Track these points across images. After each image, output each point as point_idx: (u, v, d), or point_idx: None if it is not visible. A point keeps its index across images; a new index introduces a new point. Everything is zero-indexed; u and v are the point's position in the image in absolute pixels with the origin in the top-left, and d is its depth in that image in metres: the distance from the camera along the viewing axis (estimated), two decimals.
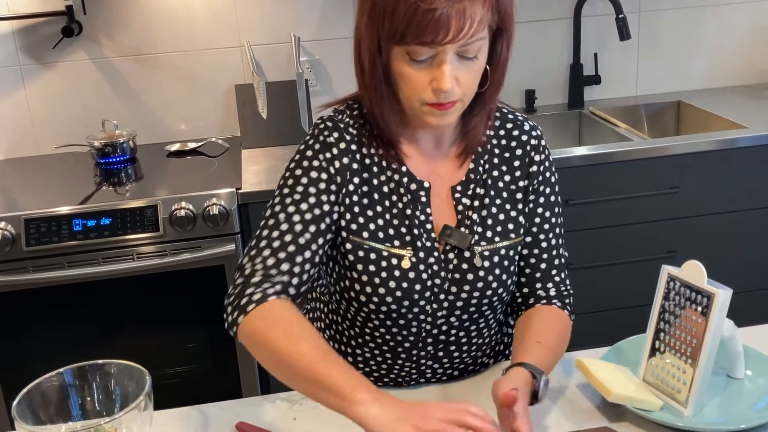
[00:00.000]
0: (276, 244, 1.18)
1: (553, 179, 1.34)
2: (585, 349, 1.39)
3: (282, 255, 1.18)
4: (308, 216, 1.20)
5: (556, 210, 1.34)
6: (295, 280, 1.19)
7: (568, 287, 1.36)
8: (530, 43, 2.87)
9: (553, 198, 1.33)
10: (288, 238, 1.18)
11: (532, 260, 1.32)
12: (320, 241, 1.21)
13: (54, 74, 2.65)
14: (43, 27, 2.59)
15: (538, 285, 1.33)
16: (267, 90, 2.58)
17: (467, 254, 1.25)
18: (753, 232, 2.56)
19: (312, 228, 1.20)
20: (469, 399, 1.08)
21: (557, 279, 1.34)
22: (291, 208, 1.20)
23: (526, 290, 1.34)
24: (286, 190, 1.22)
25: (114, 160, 2.57)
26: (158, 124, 2.76)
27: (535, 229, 1.31)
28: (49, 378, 1.19)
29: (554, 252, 1.33)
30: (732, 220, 2.52)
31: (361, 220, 1.23)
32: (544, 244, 1.32)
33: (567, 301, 1.33)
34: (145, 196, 2.27)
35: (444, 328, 1.29)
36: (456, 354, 1.34)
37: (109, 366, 1.22)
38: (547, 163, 1.33)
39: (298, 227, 1.19)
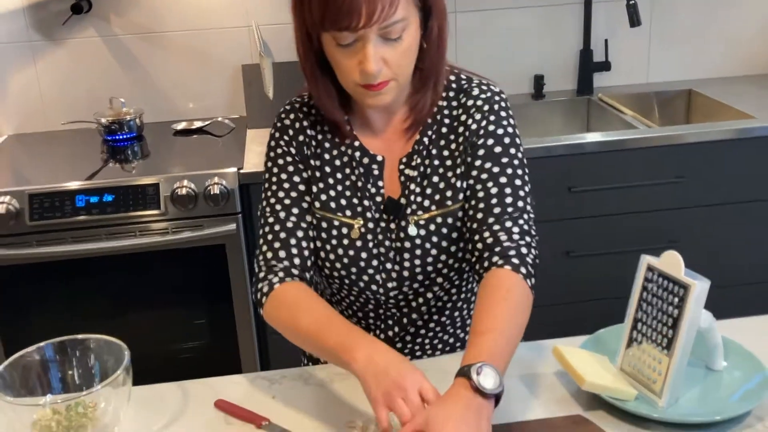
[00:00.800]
0: (270, 237, 1.29)
1: (500, 131, 1.28)
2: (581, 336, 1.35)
3: (276, 245, 1.28)
4: (287, 201, 1.30)
5: (503, 161, 1.27)
6: (296, 261, 1.28)
7: (516, 239, 1.23)
8: (540, 29, 2.85)
9: (498, 149, 1.27)
10: (277, 227, 1.29)
11: (470, 212, 1.27)
12: (308, 218, 1.31)
13: (63, 51, 2.67)
14: (53, 4, 2.61)
15: (476, 237, 1.24)
16: (274, 70, 2.58)
17: (403, 223, 1.29)
18: (757, 223, 2.53)
19: (294, 210, 1.30)
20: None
21: (496, 228, 1.23)
22: (272, 200, 1.31)
23: (470, 246, 1.27)
24: (266, 185, 1.34)
25: (121, 137, 2.59)
26: (165, 103, 2.78)
27: (471, 182, 1.27)
28: (30, 352, 1.22)
29: (492, 201, 1.25)
30: (736, 211, 2.50)
31: (314, 190, 1.31)
32: (481, 194, 1.26)
33: (512, 253, 1.20)
34: (151, 173, 2.29)
35: (400, 297, 1.34)
36: (427, 326, 1.37)
37: (89, 341, 1.24)
38: (492, 117, 1.28)
39: (282, 214, 1.30)
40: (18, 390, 1.19)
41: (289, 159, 1.32)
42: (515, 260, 1.20)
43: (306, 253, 1.29)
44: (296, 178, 1.31)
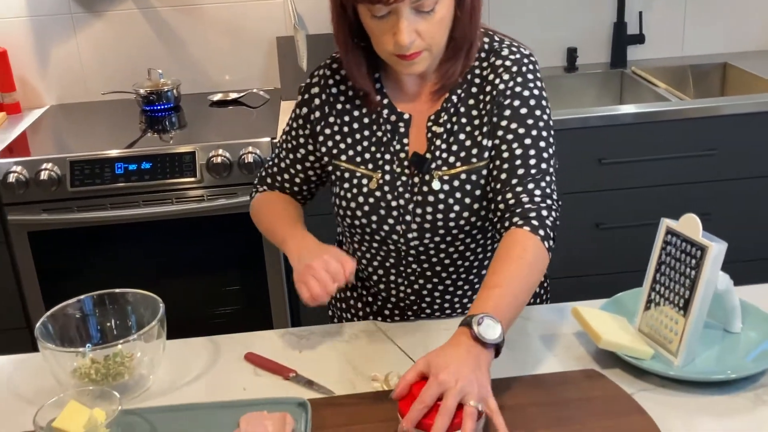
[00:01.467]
0: (269, 164, 1.55)
1: (526, 93, 1.31)
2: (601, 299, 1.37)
3: (271, 172, 1.54)
4: (290, 146, 1.49)
5: (529, 122, 1.30)
6: (277, 185, 1.54)
7: (537, 201, 1.26)
8: (574, 1, 2.84)
9: (524, 110, 1.30)
10: (276, 161, 1.53)
11: (494, 172, 1.30)
12: (298, 166, 1.50)
13: (103, 23, 2.74)
14: None
15: (499, 197, 1.28)
16: (308, 43, 2.62)
17: (427, 178, 1.34)
18: None
19: (291, 156, 1.49)
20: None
21: (519, 189, 1.27)
22: (283, 138, 1.51)
23: (492, 206, 1.31)
24: (285, 129, 1.52)
25: (158, 107, 2.65)
26: (202, 74, 2.83)
27: (497, 141, 1.30)
28: (71, 304, 1.29)
29: (516, 162, 1.28)
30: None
31: (342, 146, 1.41)
32: (505, 154, 1.29)
33: (532, 215, 1.24)
34: (186, 143, 2.35)
35: (421, 249, 1.38)
36: (455, 284, 1.42)
37: (127, 295, 1.30)
38: (519, 79, 1.31)
39: (283, 154, 1.51)
40: (59, 340, 1.25)
41: (300, 122, 1.45)
42: (535, 222, 1.23)
43: (288, 185, 1.51)
44: (305, 132, 1.46)
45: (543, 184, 1.28)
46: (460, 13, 1.27)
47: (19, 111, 2.75)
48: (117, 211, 2.30)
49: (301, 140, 1.46)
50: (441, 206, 1.34)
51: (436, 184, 1.34)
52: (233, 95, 2.76)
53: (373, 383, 1.22)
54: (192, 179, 2.30)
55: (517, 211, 1.25)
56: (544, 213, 1.25)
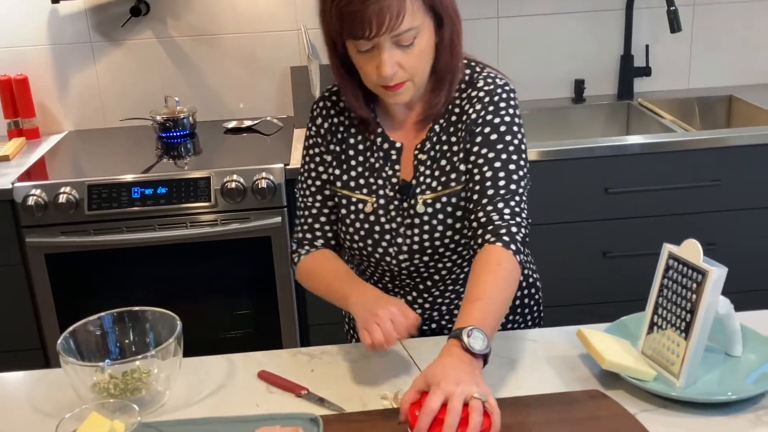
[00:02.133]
0: (301, 220, 1.54)
1: (496, 120, 1.38)
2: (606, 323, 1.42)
3: (305, 227, 1.53)
4: (313, 188, 1.51)
5: (498, 147, 1.37)
6: (319, 241, 1.52)
7: (507, 219, 1.33)
8: (581, 33, 2.90)
9: (494, 136, 1.38)
10: (306, 213, 1.53)
11: (468, 193, 1.39)
12: (329, 203, 1.51)
13: (122, 52, 2.82)
14: (114, 6, 2.75)
15: (472, 216, 1.36)
16: (321, 72, 2.68)
17: (413, 202, 1.43)
18: None
19: (318, 197, 1.51)
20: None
21: (489, 208, 1.34)
22: (304, 186, 1.53)
23: (467, 224, 1.40)
24: (301, 170, 1.54)
25: (174, 134, 2.72)
26: (217, 102, 2.90)
27: (470, 166, 1.39)
28: (92, 321, 1.33)
29: (487, 183, 1.36)
30: None
31: (337, 172, 1.49)
32: (477, 177, 1.37)
33: (503, 231, 1.31)
34: (201, 168, 2.40)
35: (412, 268, 1.47)
36: (443, 295, 1.50)
37: (145, 312, 1.34)
38: (491, 108, 1.39)
39: (309, 200, 1.52)
40: (80, 355, 1.29)
41: (316, 150, 1.50)
42: (506, 238, 1.31)
43: (326, 228, 1.51)
44: (320, 168, 1.50)
45: (512, 203, 1.35)
46: (440, 50, 1.36)
47: (38, 136, 2.82)
48: (132, 235, 2.35)
49: (324, 177, 1.50)
50: (426, 227, 1.42)
51: (420, 208, 1.42)
52: (247, 123, 2.82)
53: (383, 401, 1.26)
54: (206, 204, 2.35)
55: (489, 228, 1.33)
56: (514, 229, 1.33)
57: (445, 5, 1.34)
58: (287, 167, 2.38)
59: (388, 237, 1.45)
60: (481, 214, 1.35)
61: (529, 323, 1.61)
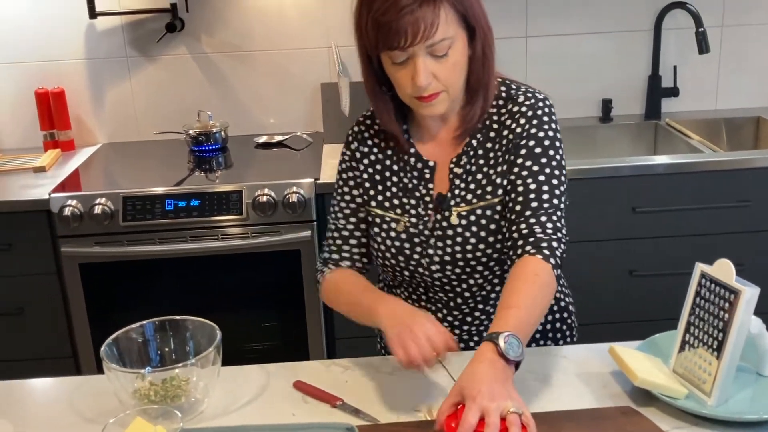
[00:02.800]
0: (329, 241, 1.57)
1: (540, 134, 1.41)
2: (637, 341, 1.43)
3: (333, 247, 1.56)
4: (346, 211, 1.55)
5: (542, 160, 1.40)
6: (345, 263, 1.56)
7: (549, 233, 1.35)
8: (610, 54, 2.92)
9: (539, 150, 1.40)
10: (336, 234, 1.56)
11: (510, 204, 1.40)
12: (361, 226, 1.54)
13: (156, 67, 2.87)
14: (149, 22, 2.82)
15: (513, 227, 1.38)
16: (350, 89, 2.72)
17: (447, 214, 1.45)
18: None
19: (352, 219, 1.54)
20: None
21: (532, 221, 1.36)
22: (336, 208, 1.56)
23: (507, 235, 1.41)
24: (334, 193, 1.58)
25: (206, 148, 2.76)
26: (249, 117, 2.95)
27: (513, 177, 1.41)
28: (134, 328, 1.36)
29: (531, 196, 1.38)
30: None
31: (372, 192, 1.52)
32: (520, 189, 1.39)
33: (544, 245, 1.33)
34: (232, 182, 2.45)
35: (444, 280, 1.49)
36: (472, 314, 1.51)
37: (186, 322, 1.38)
38: (534, 121, 1.41)
39: (341, 222, 1.55)
40: (121, 362, 1.33)
41: (350, 174, 1.54)
42: (546, 251, 1.33)
43: (354, 250, 1.54)
44: (355, 192, 1.54)
45: (554, 218, 1.38)
46: (473, 61, 1.39)
47: (72, 148, 2.88)
48: (165, 246, 2.39)
49: (358, 200, 1.54)
50: (459, 239, 1.44)
51: (454, 219, 1.45)
52: (278, 138, 2.87)
53: (417, 413, 1.28)
54: (238, 217, 2.39)
55: (530, 240, 1.35)
56: (555, 244, 1.35)
57: (477, 17, 1.37)
58: (317, 182, 2.42)
59: (419, 249, 1.47)
60: (523, 225, 1.37)
61: (567, 341, 1.61)
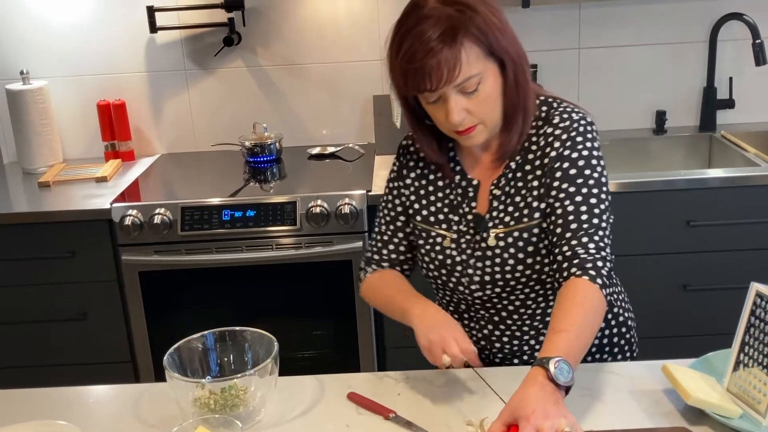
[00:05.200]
0: (373, 243, 1.65)
1: (574, 155, 1.41)
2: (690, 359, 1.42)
3: (375, 249, 1.63)
4: (388, 218, 1.62)
5: (579, 181, 1.40)
6: (385, 264, 1.62)
7: (593, 253, 1.36)
8: (664, 65, 2.90)
9: (573, 171, 1.41)
10: (378, 237, 1.64)
11: (551, 227, 1.41)
12: (400, 233, 1.61)
13: (214, 79, 2.95)
14: (207, 36, 2.89)
15: (557, 250, 1.39)
16: None
17: (485, 235, 1.48)
18: None
19: (392, 226, 1.61)
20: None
21: (574, 242, 1.37)
22: (381, 214, 1.64)
23: (551, 258, 1.43)
24: (382, 200, 1.65)
25: (262, 159, 2.82)
26: (302, 129, 3.00)
27: (551, 200, 1.42)
28: (195, 338, 1.41)
29: (570, 218, 1.38)
30: None
31: (417, 206, 1.57)
32: (559, 211, 1.40)
33: (588, 266, 1.34)
34: (287, 193, 2.50)
35: (485, 299, 1.52)
36: (519, 330, 1.53)
37: (246, 333, 1.42)
38: (568, 143, 1.42)
39: (384, 228, 1.63)
40: (183, 370, 1.37)
41: (397, 184, 1.60)
42: (592, 272, 1.34)
43: (393, 255, 1.61)
44: (397, 201, 1.60)
45: (596, 237, 1.38)
46: (506, 88, 1.40)
47: (133, 158, 2.96)
48: (221, 255, 2.45)
49: (399, 209, 1.59)
50: (497, 260, 1.47)
51: (492, 241, 1.47)
52: (330, 149, 2.91)
53: (468, 428, 1.30)
54: (292, 227, 2.44)
55: (575, 262, 1.36)
56: (600, 264, 1.35)
57: (504, 48, 1.37)
58: (369, 193, 2.45)
59: (460, 268, 1.51)
60: (566, 248, 1.38)
61: (627, 356, 1.62)
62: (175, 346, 1.38)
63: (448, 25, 1.31)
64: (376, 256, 1.62)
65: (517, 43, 1.40)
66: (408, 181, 1.58)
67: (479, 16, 1.34)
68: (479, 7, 1.35)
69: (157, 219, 2.42)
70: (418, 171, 1.57)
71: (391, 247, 1.61)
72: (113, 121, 2.90)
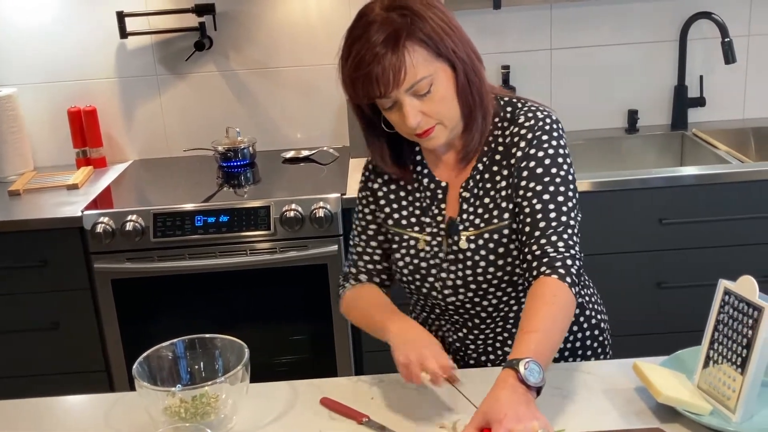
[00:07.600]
0: (349, 257, 1.64)
1: (540, 153, 1.41)
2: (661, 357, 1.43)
3: (351, 262, 1.62)
4: (360, 229, 1.61)
5: (546, 179, 1.40)
6: (363, 277, 1.61)
7: (561, 251, 1.36)
8: (635, 65, 2.92)
9: (540, 170, 1.40)
10: (353, 250, 1.62)
11: (519, 227, 1.41)
12: (374, 243, 1.59)
13: (185, 84, 2.93)
14: (178, 41, 2.87)
15: (526, 249, 1.39)
16: None
17: (456, 239, 1.47)
18: None
19: (364, 236, 1.60)
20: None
21: (543, 241, 1.37)
22: (355, 223, 1.62)
23: (521, 258, 1.43)
24: (355, 210, 1.63)
25: (235, 164, 2.81)
26: (276, 133, 2.99)
27: (519, 200, 1.42)
28: (165, 346, 1.40)
29: (538, 216, 1.39)
30: None
31: (387, 210, 1.56)
32: (527, 210, 1.40)
33: (558, 264, 1.35)
34: (260, 197, 2.49)
35: (458, 303, 1.51)
36: (486, 330, 1.53)
37: (216, 340, 1.41)
38: (534, 142, 1.42)
39: (357, 239, 1.61)
40: (152, 379, 1.36)
41: (367, 193, 1.59)
42: (561, 270, 1.34)
43: (370, 266, 1.59)
44: (367, 210, 1.59)
45: (565, 236, 1.38)
46: (459, 89, 1.39)
47: (104, 165, 2.93)
48: (195, 261, 2.43)
49: (369, 217, 1.58)
50: (469, 263, 1.46)
51: (463, 244, 1.46)
52: (305, 152, 2.90)
53: (441, 431, 1.29)
54: (266, 232, 2.43)
55: (544, 261, 1.36)
56: (569, 262, 1.36)
57: (450, 49, 1.36)
58: (343, 197, 2.45)
59: (434, 272, 1.50)
60: (534, 247, 1.38)
61: (601, 357, 1.62)
62: (145, 354, 1.36)
63: (391, 30, 1.31)
64: (353, 269, 1.60)
65: (466, 43, 1.39)
66: (376, 186, 1.57)
67: (423, 20, 1.33)
68: (424, 11, 1.34)
69: (129, 226, 2.40)
70: (386, 176, 1.56)
71: (366, 258, 1.59)
72: (84, 127, 2.88)
